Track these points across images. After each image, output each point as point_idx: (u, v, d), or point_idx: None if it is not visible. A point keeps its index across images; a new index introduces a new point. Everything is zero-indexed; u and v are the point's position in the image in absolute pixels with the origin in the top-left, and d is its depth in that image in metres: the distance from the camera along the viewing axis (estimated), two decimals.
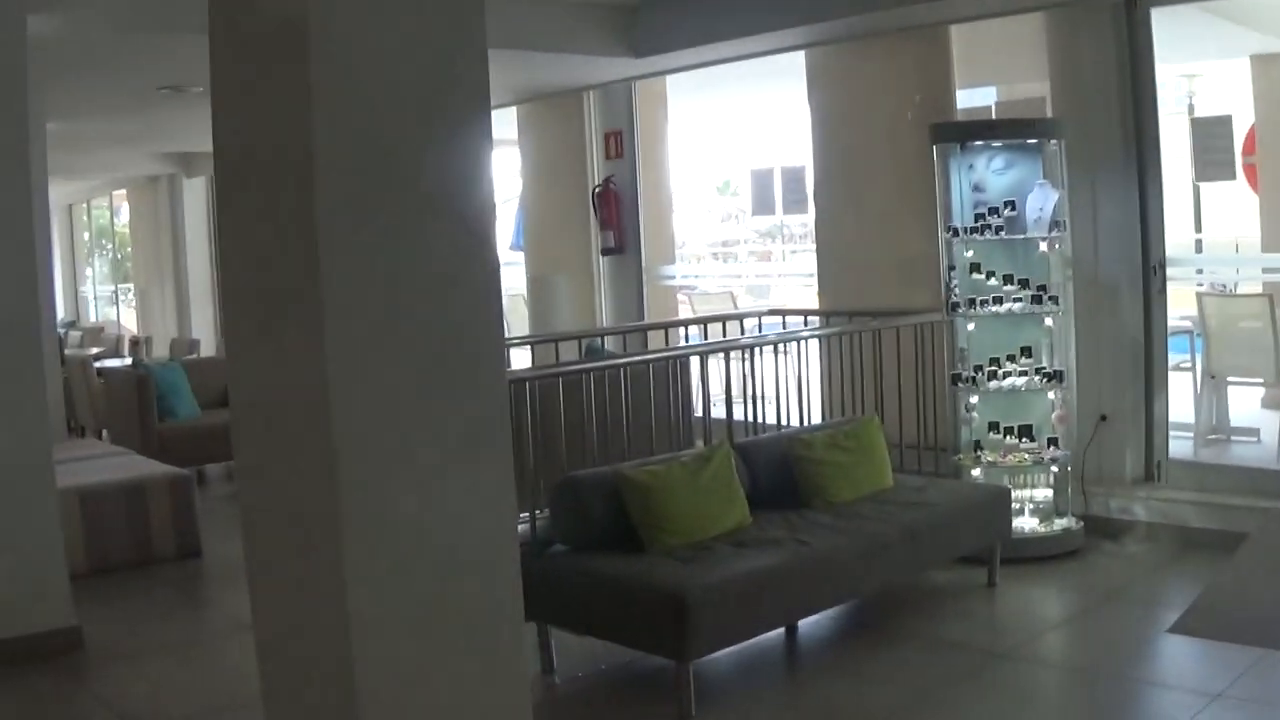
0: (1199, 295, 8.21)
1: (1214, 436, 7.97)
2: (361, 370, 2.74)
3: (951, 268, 6.81)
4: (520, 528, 5.20)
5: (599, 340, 8.02)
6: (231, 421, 3.18)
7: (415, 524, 2.86)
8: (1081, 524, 6.62)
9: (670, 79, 9.64)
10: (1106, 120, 6.78)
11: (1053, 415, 6.76)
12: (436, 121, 2.84)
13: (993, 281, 6.70)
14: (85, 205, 20.26)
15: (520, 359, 7.99)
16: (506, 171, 11.17)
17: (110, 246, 20.72)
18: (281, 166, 2.80)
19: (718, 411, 6.77)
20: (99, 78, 8.45)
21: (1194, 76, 11.26)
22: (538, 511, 5.21)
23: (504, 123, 10.80)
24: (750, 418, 6.91)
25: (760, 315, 8.56)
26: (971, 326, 6.81)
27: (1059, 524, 6.58)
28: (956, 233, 6.74)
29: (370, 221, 2.75)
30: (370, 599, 2.79)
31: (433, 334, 2.86)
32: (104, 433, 11.37)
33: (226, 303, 3.25)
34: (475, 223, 2.93)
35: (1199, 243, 11.15)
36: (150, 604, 6.72)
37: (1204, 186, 10.58)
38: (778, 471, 5.75)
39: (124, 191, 17.95)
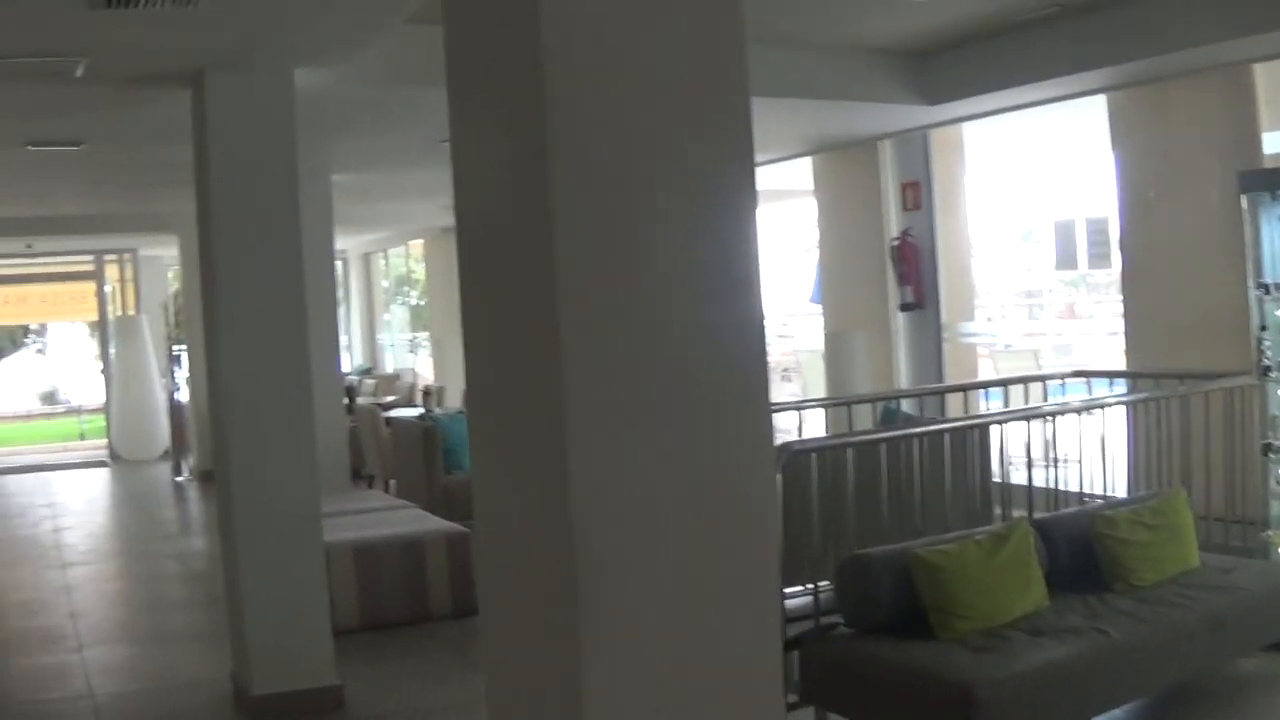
0: None
1: None
2: (605, 447, 2.70)
3: (1263, 327, 6.65)
4: (801, 601, 5.37)
5: (895, 403, 8.11)
6: (473, 484, 3.22)
7: (661, 605, 2.80)
8: None
9: (968, 126, 9.78)
10: None
11: None
12: (693, 177, 2.79)
13: None
14: (383, 254, 21.84)
15: (814, 420, 8.21)
16: (804, 221, 11.57)
17: (410, 294, 22.20)
18: (519, 233, 2.86)
19: (1017, 474, 6.76)
20: (378, 131, 9.07)
21: None
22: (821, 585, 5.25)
23: (800, 173, 11.19)
24: (1051, 484, 6.90)
25: (1064, 377, 8.48)
26: None
27: None
28: (1268, 289, 6.60)
29: (616, 291, 2.70)
30: (606, 681, 2.75)
31: (689, 408, 2.81)
32: (390, 483, 12.26)
33: (469, 370, 3.30)
34: (737, 286, 2.85)
35: None
36: (420, 664, 7.07)
37: None
38: (1078, 550, 5.66)
39: (421, 241, 19.37)
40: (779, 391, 14.99)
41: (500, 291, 3.00)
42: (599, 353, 2.66)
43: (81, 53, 5.93)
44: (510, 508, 3.01)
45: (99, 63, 6.13)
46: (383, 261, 22.12)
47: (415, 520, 8.44)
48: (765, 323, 2.93)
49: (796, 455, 5.46)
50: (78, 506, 14.17)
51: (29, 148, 8.79)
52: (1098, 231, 11.83)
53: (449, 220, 16.28)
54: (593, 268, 2.65)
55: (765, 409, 2.91)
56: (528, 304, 2.79)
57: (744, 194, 2.81)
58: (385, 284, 22.63)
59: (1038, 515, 5.97)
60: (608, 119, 2.67)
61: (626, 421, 2.70)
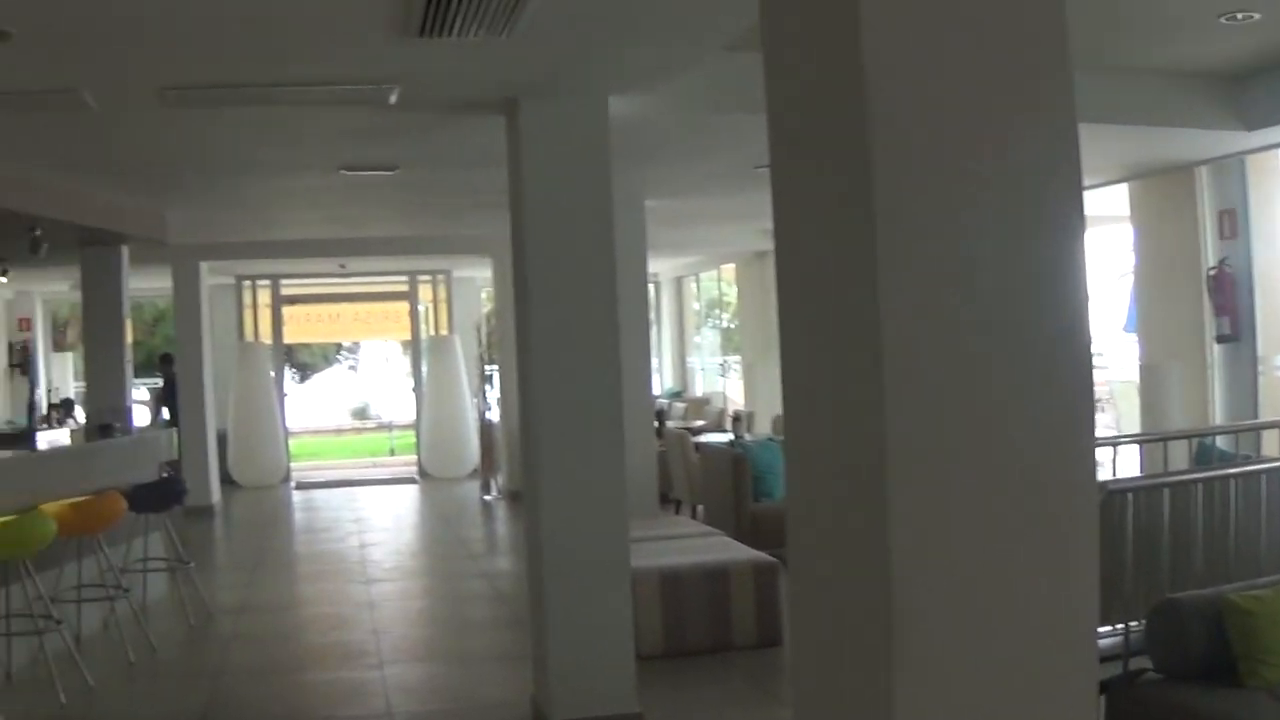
0: None
1: None
2: (927, 481, 2.73)
3: None
4: (1110, 642, 5.59)
5: (1210, 439, 8.13)
6: (787, 514, 3.28)
7: (976, 643, 2.82)
8: None
9: None
10: None
11: None
12: (1018, 199, 2.80)
13: None
14: (695, 278, 22.53)
15: (1128, 456, 8.36)
16: (1118, 248, 11.62)
17: (721, 318, 22.77)
18: (840, 259, 2.90)
19: None
20: (692, 157, 9.45)
21: None
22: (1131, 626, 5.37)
23: (1113, 199, 11.31)
24: None
25: None
26: None
27: None
28: None
29: (940, 320, 2.72)
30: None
31: (1013, 444, 2.82)
32: (698, 509, 12.65)
33: (787, 398, 3.29)
34: (1065, 317, 2.84)
35: None
36: (721, 694, 7.40)
37: None
38: None
39: (732, 265, 19.99)
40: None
41: (821, 317, 3.05)
42: (922, 383, 2.72)
43: (396, 80, 6.45)
44: (826, 541, 3.07)
45: (413, 90, 6.65)
46: (694, 285, 22.76)
47: (722, 548, 8.71)
48: (1093, 356, 2.91)
49: (1113, 495, 5.70)
50: (385, 522, 15.07)
51: (343, 172, 9.52)
52: None
53: (762, 245, 16.78)
54: (916, 295, 2.70)
55: (1089, 445, 2.89)
56: (849, 330, 2.86)
57: (1072, 220, 2.83)
58: (696, 307, 23.25)
59: None
60: (930, 141, 2.73)
61: (949, 455, 2.74)
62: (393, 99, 6.80)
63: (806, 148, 3.16)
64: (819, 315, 3.07)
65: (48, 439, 9.87)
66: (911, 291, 2.70)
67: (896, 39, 2.70)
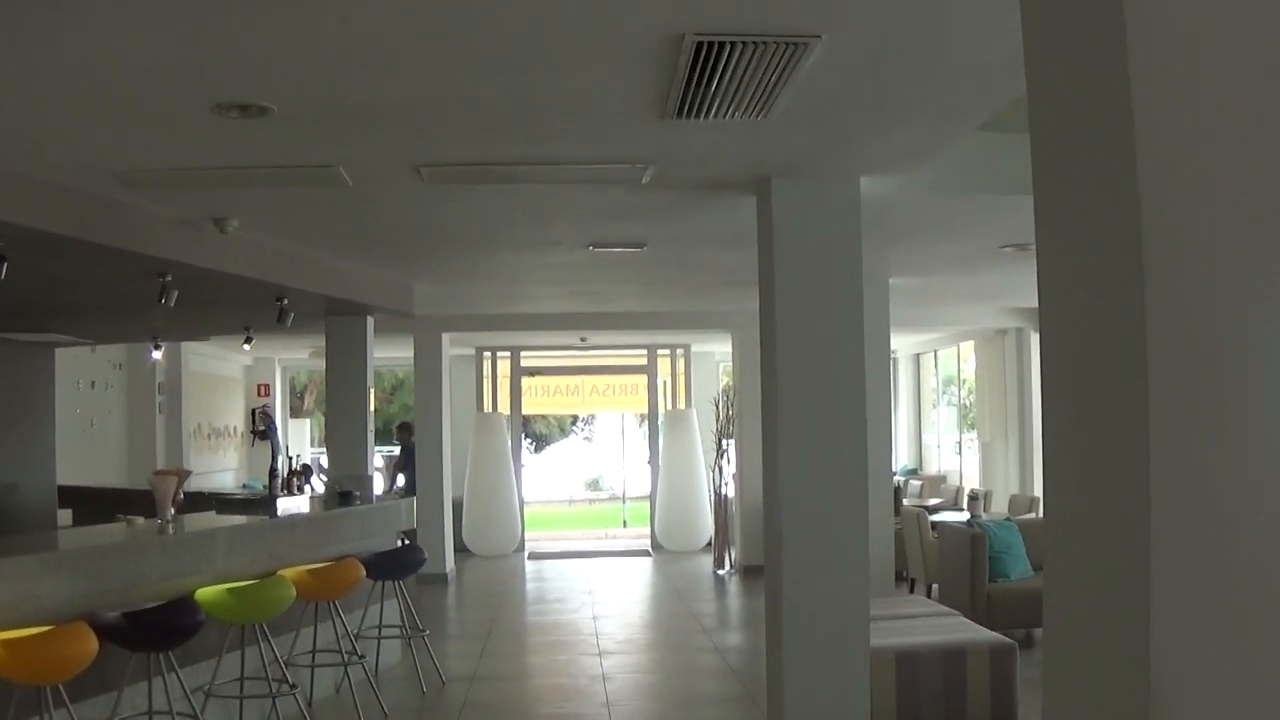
0: None
1: None
2: (1185, 566, 2.55)
3: None
4: None
5: None
6: (1046, 590, 3.17)
7: None
8: None
9: None
10: None
11: None
12: None
13: None
14: (933, 354, 22.22)
15: None
16: None
17: (956, 395, 22.39)
18: (1110, 348, 2.74)
19: None
20: (938, 237, 9.37)
21: None
22: None
23: None
24: None
25: None
26: None
27: None
28: None
29: (1219, 410, 2.52)
30: None
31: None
32: (932, 588, 12.45)
33: (1051, 487, 3.10)
34: None
35: None
36: None
37: None
38: None
39: (971, 343, 19.68)
40: None
41: (1089, 403, 2.94)
42: (1195, 482, 2.57)
43: (650, 160, 6.53)
44: (1085, 632, 2.94)
45: (667, 169, 6.73)
46: (932, 361, 22.46)
47: (959, 628, 8.54)
48: None
49: None
50: (618, 594, 15.09)
51: (592, 249, 9.65)
52: None
53: (1003, 323, 16.48)
54: (1194, 382, 2.55)
55: None
56: (1119, 417, 2.72)
57: None
58: (933, 384, 22.94)
59: None
60: (1204, 234, 2.54)
61: (1215, 546, 2.57)
62: (646, 178, 6.90)
63: (1073, 229, 2.97)
64: (1084, 398, 2.91)
65: (288, 505, 10.05)
66: (1186, 376, 2.49)
67: (1176, 128, 2.47)
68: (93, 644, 6.16)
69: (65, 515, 13.78)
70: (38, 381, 14.83)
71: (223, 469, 21.32)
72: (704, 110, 5.50)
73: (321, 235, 9.21)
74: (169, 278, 8.59)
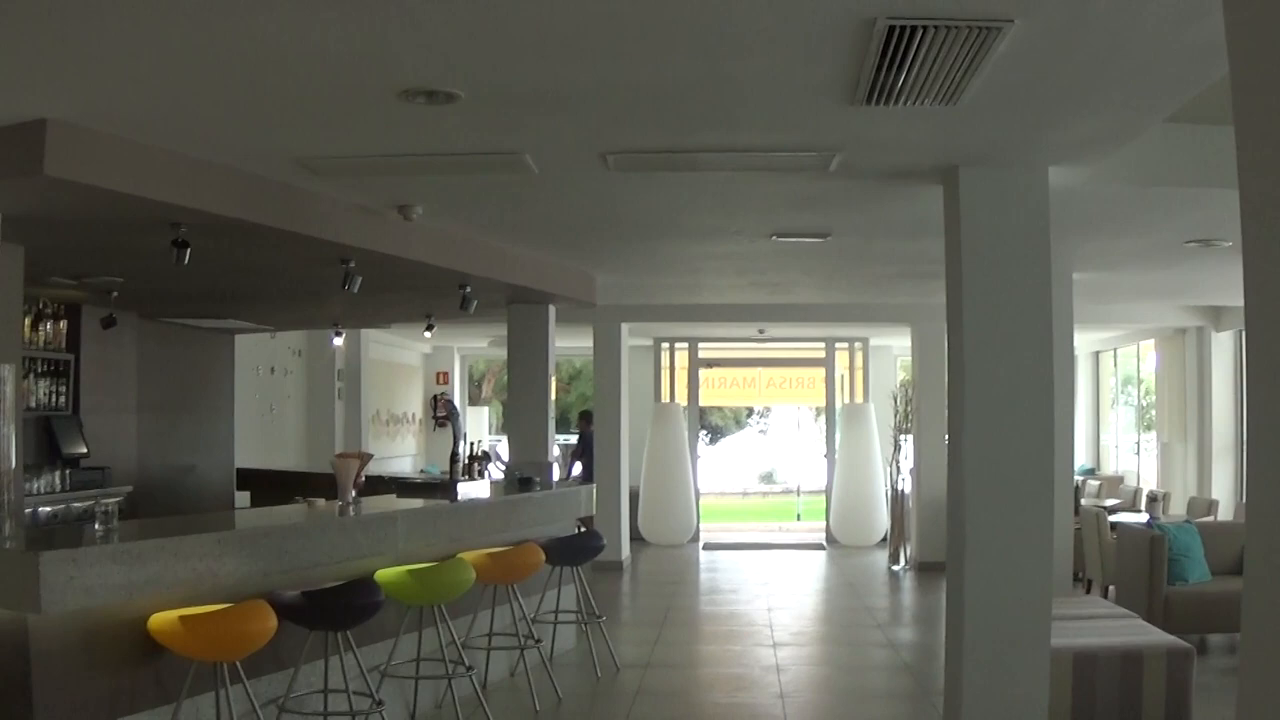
0: None
1: None
2: None
3: None
4: None
5: None
6: (1245, 594, 3.03)
7: None
8: None
9: None
10: None
11: None
12: None
13: None
14: (1112, 353, 21.62)
15: None
16: None
17: (1135, 395, 21.77)
18: None
19: None
20: (1123, 230, 9.10)
21: None
22: None
23: None
24: None
25: None
26: None
27: None
28: None
29: None
30: None
31: None
32: (1109, 589, 12.08)
33: (1251, 479, 3.09)
34: None
35: None
36: None
37: None
38: None
39: (1151, 341, 19.10)
40: None
41: None
42: None
43: (837, 148, 6.39)
44: None
45: (853, 158, 6.59)
46: (1111, 360, 21.89)
47: (1136, 631, 8.28)
48: None
49: None
50: (791, 586, 14.93)
51: (775, 238, 9.52)
52: None
53: (1184, 321, 16.01)
54: None
55: None
56: None
57: None
58: (1112, 383, 22.36)
59: None
60: None
61: None
62: (833, 166, 6.77)
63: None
64: None
65: (468, 490, 10.10)
66: None
67: None
68: (271, 621, 6.20)
69: (243, 497, 14.09)
70: (218, 367, 15.19)
71: (401, 455, 21.60)
72: (893, 96, 5.37)
73: (505, 223, 9.20)
74: (352, 264, 8.65)
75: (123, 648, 6.01)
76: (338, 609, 6.88)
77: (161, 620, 6.06)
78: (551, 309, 12.21)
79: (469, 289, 10.40)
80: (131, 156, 6.20)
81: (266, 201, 7.23)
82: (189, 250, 7.19)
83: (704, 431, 27.87)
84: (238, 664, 6.18)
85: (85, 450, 11.87)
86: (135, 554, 5.83)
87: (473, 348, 23.65)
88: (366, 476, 11.31)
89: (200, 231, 7.18)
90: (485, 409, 26.85)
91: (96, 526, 6.05)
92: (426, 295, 11.34)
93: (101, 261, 9.46)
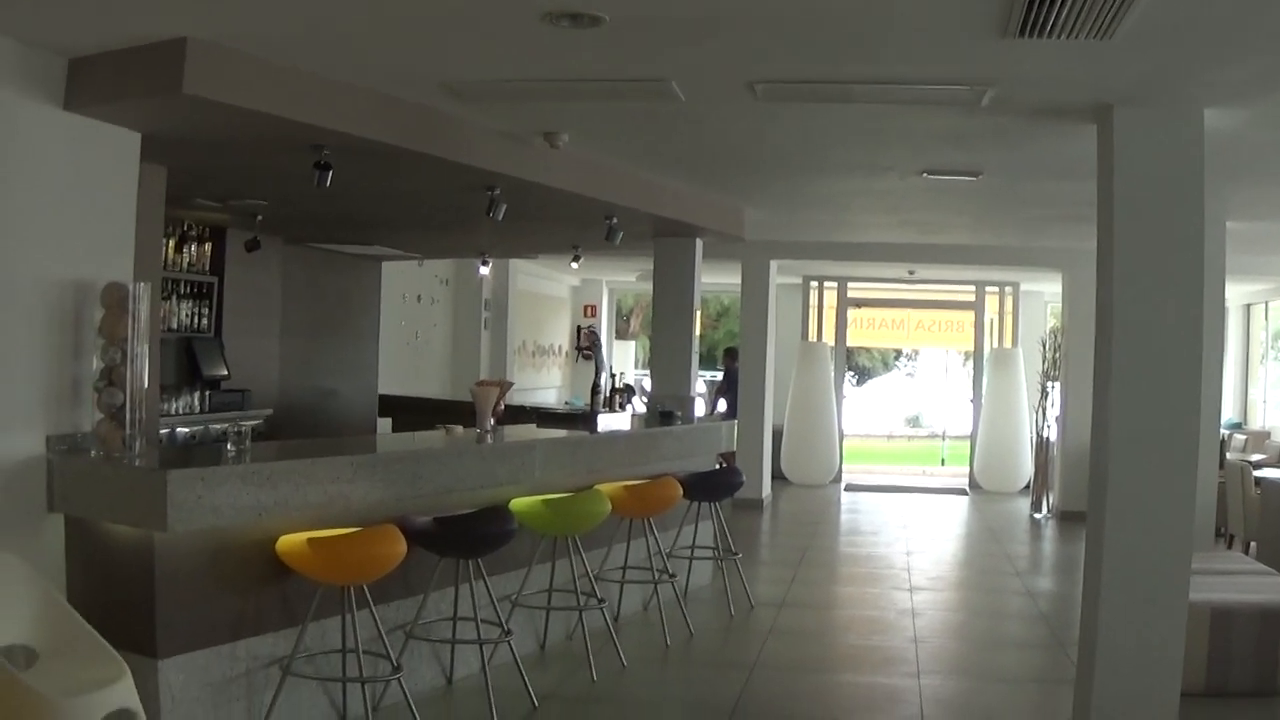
0: None
1: None
2: None
3: None
4: None
5: None
6: None
7: None
8: None
9: None
10: None
11: None
12: None
13: None
14: (1264, 305, 20.76)
15: None
16: None
17: None
18: None
19: None
20: (1277, 177, 8.70)
21: None
22: None
23: None
24: None
25: None
26: None
27: None
28: None
29: None
30: None
31: None
32: (1251, 545, 11.66)
33: None
34: None
35: None
36: None
37: None
38: None
39: None
40: None
41: None
42: None
43: (989, 82, 6.09)
44: None
45: (1005, 93, 6.29)
46: (1262, 313, 21.07)
47: (1276, 588, 7.99)
48: None
49: None
50: (932, 531, 14.64)
51: (925, 175, 9.18)
52: None
53: None
54: None
55: None
56: None
57: None
58: (1262, 336, 21.55)
59: None
60: None
61: None
62: (985, 101, 6.46)
63: None
64: None
65: (608, 421, 9.94)
66: None
67: None
68: (400, 546, 6.11)
69: (385, 424, 14.11)
70: (364, 293, 15.20)
71: (546, 386, 21.56)
72: (1047, 29, 5.07)
73: (652, 153, 8.96)
74: (497, 191, 8.48)
75: (249, 569, 5.99)
76: (469, 536, 6.81)
77: (289, 542, 6.03)
78: (698, 242, 11.94)
79: (615, 220, 10.18)
80: (272, 77, 6.09)
81: (411, 125, 7.07)
82: (331, 173, 7.06)
83: (851, 372, 27.46)
84: (364, 588, 6.07)
85: (226, 372, 11.94)
86: (265, 475, 5.77)
87: (621, 281, 23.51)
88: (509, 406, 11.24)
89: (343, 155, 7.06)
90: (632, 343, 26.71)
91: (229, 447, 5.99)
92: (572, 225, 11.14)
93: (245, 184, 9.40)
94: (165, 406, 10.69)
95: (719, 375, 19.52)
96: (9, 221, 5.67)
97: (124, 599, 5.60)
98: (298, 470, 5.98)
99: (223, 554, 5.83)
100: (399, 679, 6.32)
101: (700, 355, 12.52)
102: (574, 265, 15.03)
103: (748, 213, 12.07)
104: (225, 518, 5.59)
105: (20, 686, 4.64)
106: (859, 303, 20.66)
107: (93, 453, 5.86)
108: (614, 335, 24.54)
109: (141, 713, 4.95)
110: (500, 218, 8.68)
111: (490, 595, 7.08)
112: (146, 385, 6.04)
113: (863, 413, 30.65)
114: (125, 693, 4.88)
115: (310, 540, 5.95)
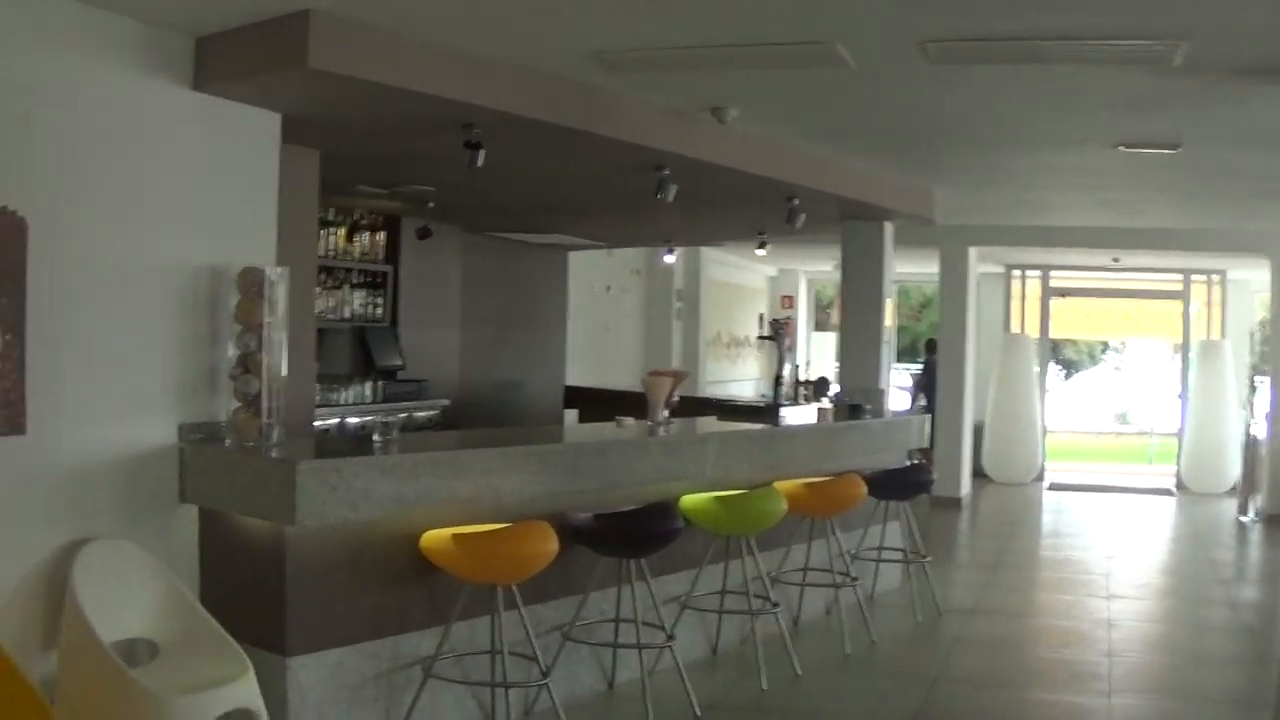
0: None
1: None
2: None
3: None
4: None
5: None
6: None
7: None
8: None
9: None
10: None
11: None
12: None
13: None
14: None
15: None
16: None
17: None
18: None
19: None
20: None
21: None
22: None
23: None
24: None
25: None
26: None
27: None
28: None
29: None
30: None
31: None
32: None
33: None
34: None
35: None
36: None
37: None
38: None
39: None
40: None
41: None
42: None
43: (1183, 35, 5.54)
44: None
45: (1202, 48, 5.72)
46: None
47: None
48: None
49: None
50: (1134, 534, 13.92)
51: (1120, 149, 8.57)
52: None
53: None
54: None
55: None
56: None
57: None
58: None
59: None
60: None
61: None
62: (1178, 59, 5.86)
63: None
64: None
65: (792, 415, 9.46)
66: None
67: None
68: (551, 544, 5.76)
69: (571, 415, 13.80)
70: (549, 283, 14.97)
71: (741, 378, 21.18)
72: None
73: (826, 128, 8.47)
74: (666, 171, 8.09)
75: (391, 565, 5.74)
76: (630, 534, 6.50)
77: (434, 538, 5.76)
78: (888, 226, 11.36)
79: (796, 201, 9.68)
80: (405, 50, 5.83)
81: (562, 100, 6.75)
82: (482, 152, 6.74)
83: (1057, 366, 26.42)
84: (514, 588, 5.73)
85: (401, 362, 11.78)
86: (407, 467, 5.51)
87: (818, 271, 22.95)
88: (692, 398, 10.86)
89: (494, 134, 6.74)
90: (833, 335, 26.03)
91: (375, 438, 5.70)
92: (751, 208, 10.67)
93: (404, 169, 9.15)
94: (335, 396, 10.60)
95: (921, 368, 18.84)
96: (140, 205, 5.51)
97: (255, 594, 5.39)
98: (442, 462, 5.71)
99: (362, 549, 5.58)
100: (547, 685, 6.00)
101: (901, 348, 11.93)
102: (759, 252, 14.51)
103: (938, 193, 11.46)
104: (363, 511, 5.33)
105: (131, 683, 4.44)
106: (1063, 292, 19.81)
107: (226, 442, 5.65)
108: (813, 327, 23.97)
109: (263, 712, 4.75)
110: (670, 199, 8.29)
111: (653, 597, 6.71)
112: (285, 373, 5.78)
113: (1070, 408, 29.53)
114: (245, 691, 4.69)
115: (455, 536, 5.67)
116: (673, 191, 8.22)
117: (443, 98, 6.01)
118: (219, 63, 5.67)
